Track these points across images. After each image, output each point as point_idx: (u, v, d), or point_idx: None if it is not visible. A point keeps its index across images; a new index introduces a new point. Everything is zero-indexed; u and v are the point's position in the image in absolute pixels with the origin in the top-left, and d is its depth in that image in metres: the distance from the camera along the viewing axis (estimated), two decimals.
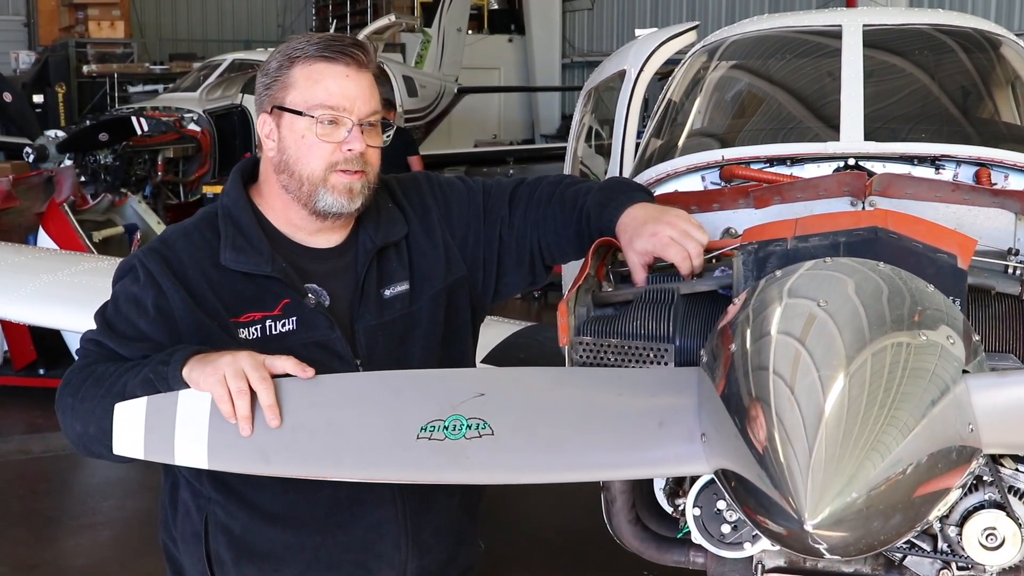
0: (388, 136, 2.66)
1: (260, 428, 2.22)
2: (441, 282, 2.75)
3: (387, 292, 2.69)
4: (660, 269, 2.60)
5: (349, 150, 2.55)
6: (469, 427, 2.14)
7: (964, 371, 1.89)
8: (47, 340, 8.81)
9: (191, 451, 2.23)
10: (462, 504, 2.85)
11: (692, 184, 3.59)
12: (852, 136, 3.51)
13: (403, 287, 2.71)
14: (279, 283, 2.58)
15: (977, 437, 1.86)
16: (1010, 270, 2.48)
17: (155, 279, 2.55)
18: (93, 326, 2.63)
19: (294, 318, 2.57)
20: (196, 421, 2.23)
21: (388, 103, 12.86)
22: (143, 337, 2.52)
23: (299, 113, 2.54)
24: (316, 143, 2.54)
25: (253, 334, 2.54)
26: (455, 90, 20.60)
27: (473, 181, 2.91)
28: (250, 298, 2.56)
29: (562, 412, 2.18)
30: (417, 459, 2.16)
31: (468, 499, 2.88)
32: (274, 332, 2.56)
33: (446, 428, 2.14)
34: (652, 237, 2.53)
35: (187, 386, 2.28)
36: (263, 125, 2.61)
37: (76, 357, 2.65)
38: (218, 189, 13.65)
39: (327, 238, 2.68)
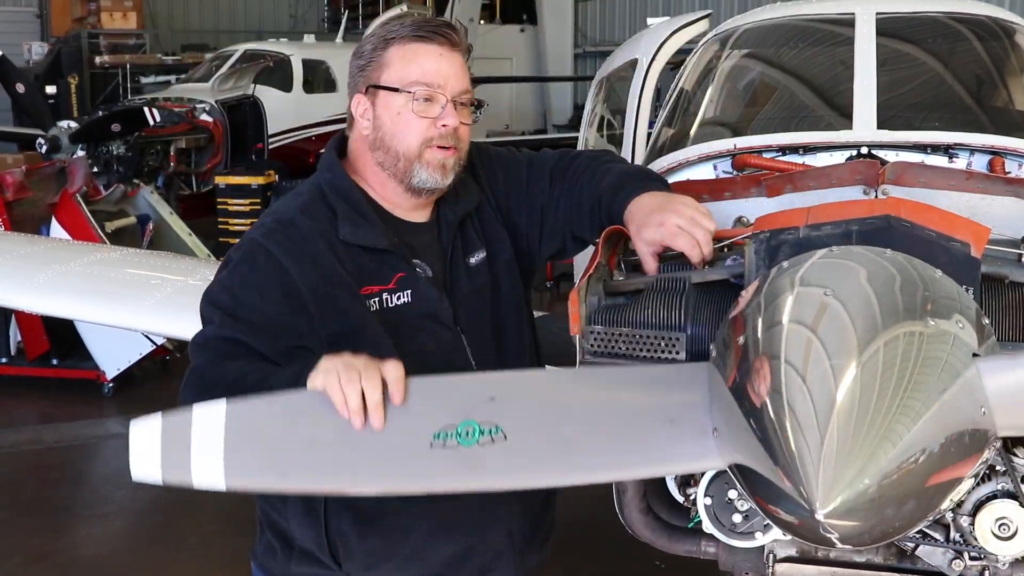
0: (479, 115, 2.72)
1: (276, 443, 2.18)
2: (510, 250, 2.83)
3: (472, 260, 2.77)
4: (672, 258, 2.59)
5: (444, 126, 2.61)
6: (482, 433, 2.10)
7: (974, 355, 1.88)
8: (60, 330, 8.83)
9: (208, 471, 2.15)
10: None
11: (704, 173, 3.59)
12: (865, 124, 3.50)
13: (483, 254, 2.79)
14: (394, 257, 2.63)
15: (991, 419, 1.85)
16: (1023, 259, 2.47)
17: (276, 259, 2.54)
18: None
19: (409, 291, 2.63)
20: (212, 437, 2.15)
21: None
22: (270, 322, 2.49)
23: (395, 90, 2.60)
24: (412, 119, 2.60)
25: (373, 306, 2.59)
26: None
27: (520, 152, 2.96)
28: (370, 271, 2.60)
29: (574, 414, 2.16)
30: (432, 468, 2.12)
31: None
32: (390, 305, 2.60)
33: (459, 435, 2.11)
34: (660, 227, 2.53)
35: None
36: (357, 105, 2.67)
37: (193, 355, 2.57)
38: (230, 179, 13.68)
39: (419, 213, 2.74)
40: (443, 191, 2.69)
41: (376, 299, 2.59)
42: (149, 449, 2.18)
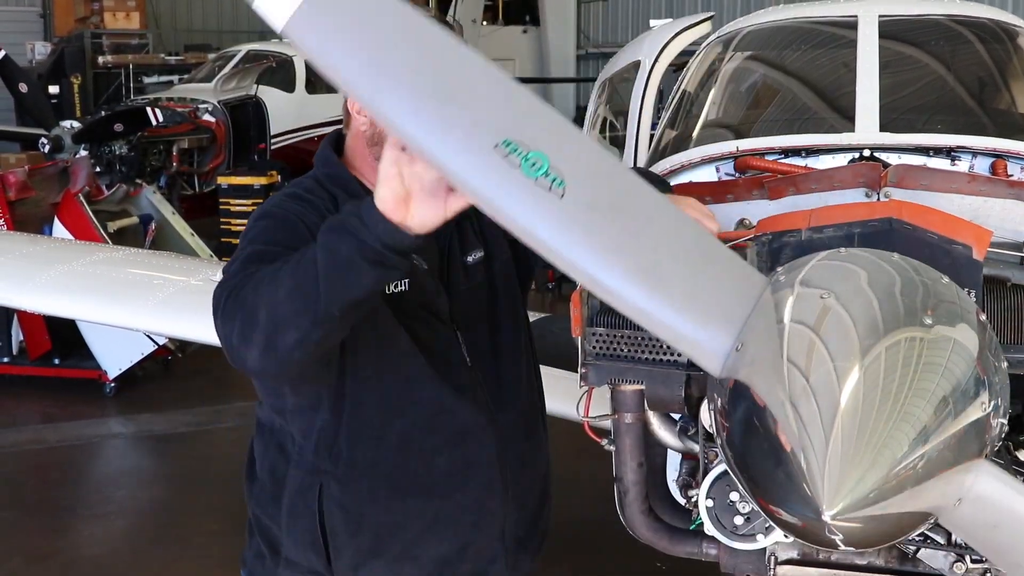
0: None
1: (355, 23, 1.94)
2: (507, 252, 2.83)
3: (469, 259, 2.77)
4: None
5: None
6: (547, 175, 1.91)
7: (987, 456, 1.87)
8: (62, 330, 8.84)
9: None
10: (547, 460, 2.95)
11: (706, 175, 3.59)
12: (867, 127, 3.50)
13: (480, 254, 2.79)
14: None
15: (953, 514, 1.85)
16: None
17: (297, 211, 2.53)
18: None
19: (406, 280, 2.60)
20: None
21: None
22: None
23: None
24: None
25: None
26: None
27: None
28: None
29: (630, 229, 1.99)
30: (478, 167, 1.93)
31: (548, 456, 2.98)
32: (387, 292, 2.58)
33: (525, 159, 1.91)
34: None
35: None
36: (354, 103, 2.65)
37: (220, 286, 2.40)
38: (233, 180, 13.69)
39: None
40: None
41: None
42: None
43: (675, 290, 1.97)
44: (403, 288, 2.61)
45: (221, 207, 13.59)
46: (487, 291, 2.79)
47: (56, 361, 9.14)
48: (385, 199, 2.07)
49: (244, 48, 18.01)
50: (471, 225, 2.79)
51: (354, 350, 2.58)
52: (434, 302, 2.67)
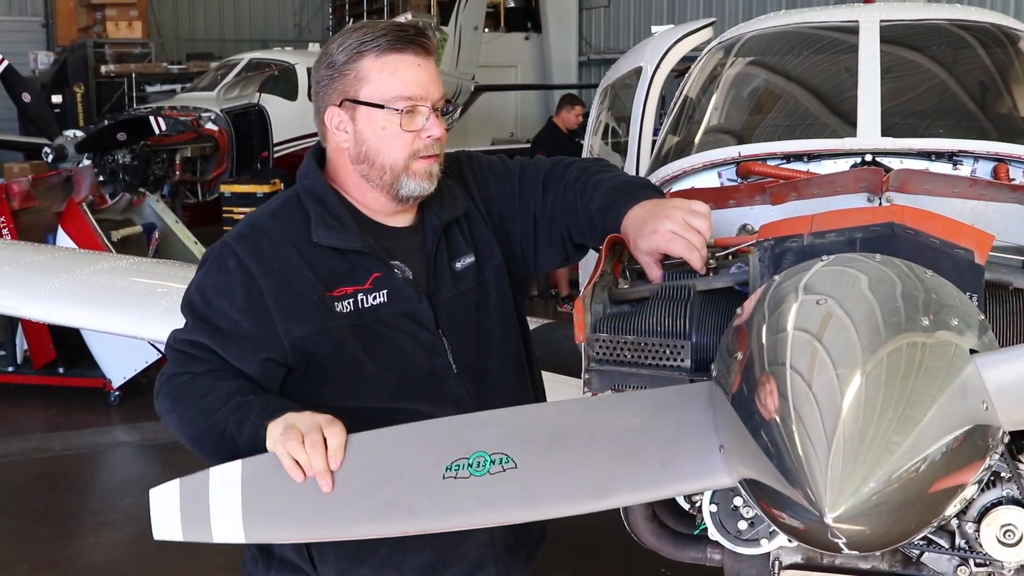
0: (456, 117, 2.73)
1: (289, 497, 2.26)
2: (499, 257, 2.83)
3: (458, 265, 2.77)
4: (677, 265, 2.59)
5: (429, 136, 2.61)
6: (493, 462, 2.15)
7: (972, 351, 1.89)
8: (66, 339, 8.86)
9: (228, 527, 2.28)
10: None
11: (708, 181, 3.60)
12: (869, 132, 3.50)
13: (470, 259, 2.79)
14: (369, 258, 2.65)
15: (993, 415, 1.86)
16: None
17: (244, 265, 2.60)
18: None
19: (385, 291, 2.64)
20: (229, 497, 2.27)
21: None
22: (237, 329, 2.56)
23: (379, 106, 2.58)
24: (398, 134, 2.60)
25: (346, 307, 2.61)
26: (472, 88, 20.57)
27: (512, 161, 2.94)
28: (342, 273, 2.62)
29: (582, 441, 2.18)
30: (445, 501, 2.17)
31: None
32: (366, 305, 2.62)
33: (471, 466, 2.15)
34: (654, 235, 2.51)
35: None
36: (332, 117, 2.65)
37: (169, 356, 2.67)
38: (236, 188, 13.70)
39: (401, 218, 2.75)
40: (427, 196, 2.70)
41: (351, 300, 2.61)
42: (170, 511, 2.33)
43: (649, 456, 2.13)
44: (382, 299, 2.64)
45: (224, 215, 13.59)
46: (477, 297, 2.79)
47: (61, 370, 9.16)
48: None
49: (246, 56, 18.02)
50: (460, 230, 2.79)
51: (332, 362, 2.62)
52: (415, 310, 2.67)
